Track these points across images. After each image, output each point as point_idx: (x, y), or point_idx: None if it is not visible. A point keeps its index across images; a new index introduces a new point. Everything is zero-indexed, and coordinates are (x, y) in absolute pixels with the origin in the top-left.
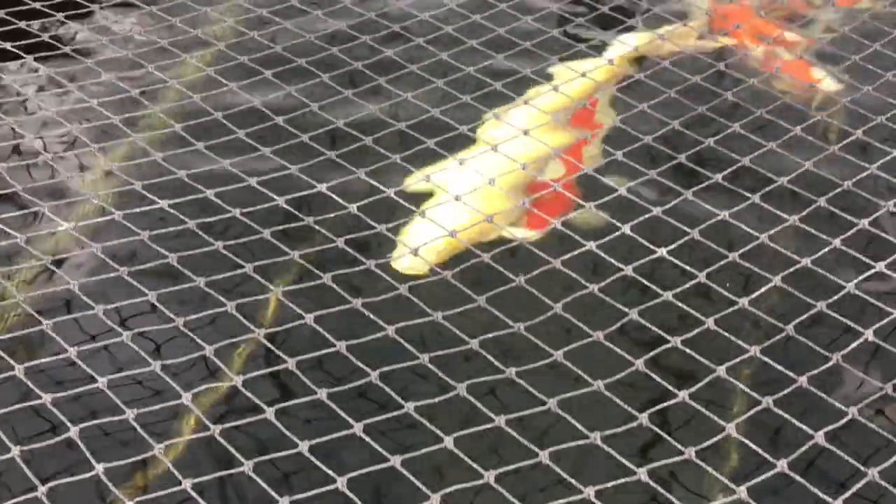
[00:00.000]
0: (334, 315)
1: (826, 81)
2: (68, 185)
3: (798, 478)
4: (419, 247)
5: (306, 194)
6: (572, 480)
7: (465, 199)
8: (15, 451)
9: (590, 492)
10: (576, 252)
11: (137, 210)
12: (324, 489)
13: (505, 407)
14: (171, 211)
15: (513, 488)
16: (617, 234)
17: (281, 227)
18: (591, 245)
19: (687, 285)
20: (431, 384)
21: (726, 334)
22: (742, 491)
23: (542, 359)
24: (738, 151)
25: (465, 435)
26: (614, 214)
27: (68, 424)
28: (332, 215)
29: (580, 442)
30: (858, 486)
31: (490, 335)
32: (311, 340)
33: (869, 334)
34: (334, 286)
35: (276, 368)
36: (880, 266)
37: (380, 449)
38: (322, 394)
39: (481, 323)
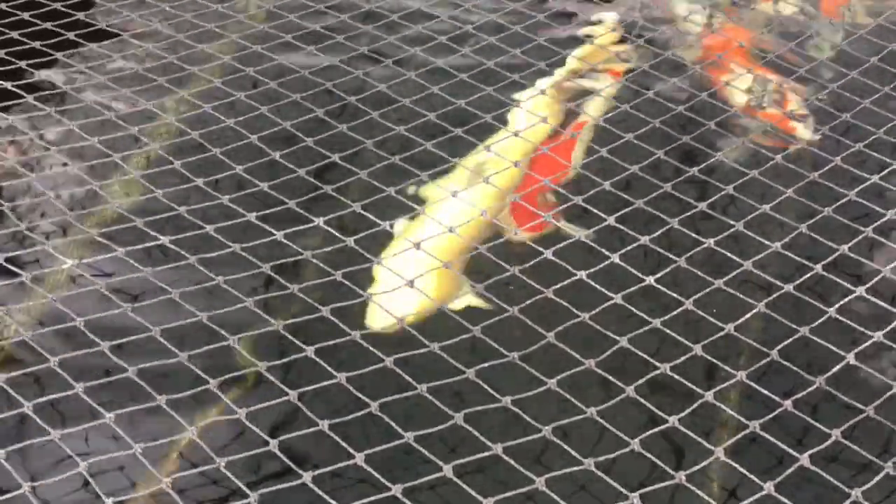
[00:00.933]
0: (333, 346)
1: (801, 130)
2: (70, 221)
3: (785, 500)
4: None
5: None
6: None
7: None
8: (26, 487)
9: None
10: (567, 282)
11: (140, 246)
12: None
13: (501, 435)
14: (172, 246)
15: None
16: (606, 262)
17: (279, 262)
18: (582, 274)
19: (675, 312)
20: (430, 414)
21: (714, 360)
22: None
23: (536, 387)
24: (722, 180)
25: (464, 463)
26: (602, 243)
27: (77, 460)
28: (329, 249)
29: (575, 468)
30: None
31: (486, 364)
32: (311, 371)
33: (850, 357)
34: (333, 318)
35: (278, 401)
36: (860, 290)
37: (381, 478)
38: (324, 425)
39: (477, 352)
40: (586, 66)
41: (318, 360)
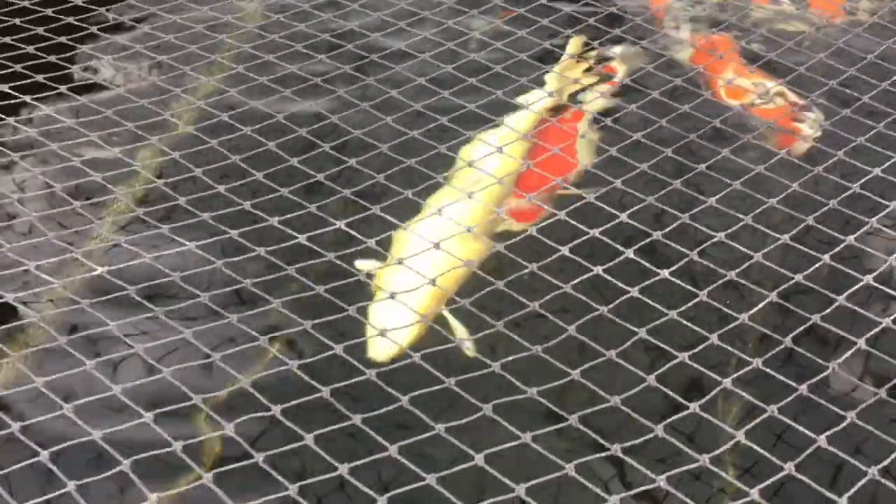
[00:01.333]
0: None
1: (805, 129)
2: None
3: (805, 479)
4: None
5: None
6: (597, 490)
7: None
8: (71, 486)
9: (615, 500)
10: (584, 277)
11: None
12: None
13: (529, 424)
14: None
15: (540, 500)
16: (621, 258)
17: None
18: (598, 269)
19: (690, 304)
20: (458, 406)
21: (730, 348)
22: (754, 493)
23: (560, 378)
24: (728, 175)
25: (494, 452)
26: (615, 238)
27: (119, 458)
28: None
29: (603, 454)
30: (860, 483)
31: (510, 358)
32: (340, 369)
33: (861, 343)
34: (357, 315)
35: (312, 397)
36: (868, 279)
37: (416, 469)
38: (357, 419)
39: (500, 346)
40: (567, 80)
41: (346, 356)
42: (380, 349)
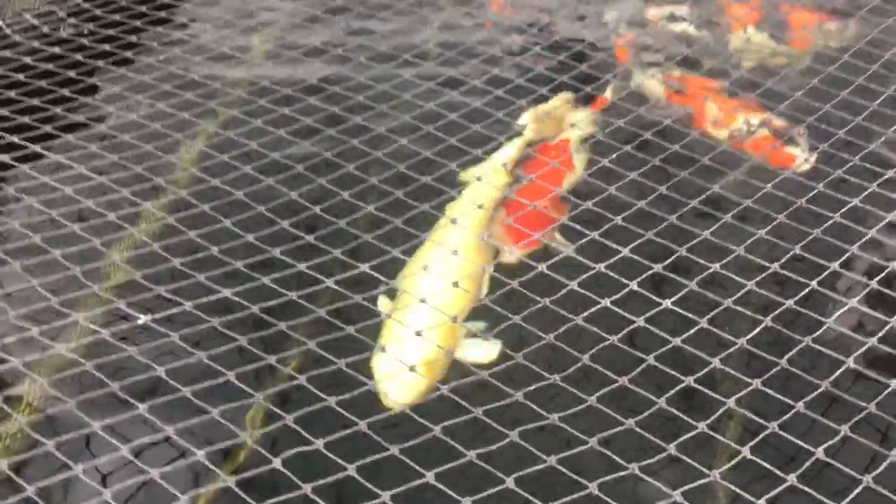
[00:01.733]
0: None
1: (799, 160)
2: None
3: (807, 488)
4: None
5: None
6: None
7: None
8: None
9: None
10: (593, 309)
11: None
12: None
13: (553, 448)
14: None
15: None
16: (626, 290)
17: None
18: (606, 301)
19: (692, 331)
20: (485, 433)
21: (732, 371)
22: (762, 503)
23: (578, 403)
24: (723, 210)
25: (522, 475)
26: (618, 271)
27: (178, 495)
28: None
29: (622, 473)
30: (857, 491)
31: (532, 387)
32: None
33: (850, 362)
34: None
35: (350, 430)
36: (853, 302)
37: (449, 492)
38: (395, 450)
39: (523, 375)
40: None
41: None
42: (410, 385)
